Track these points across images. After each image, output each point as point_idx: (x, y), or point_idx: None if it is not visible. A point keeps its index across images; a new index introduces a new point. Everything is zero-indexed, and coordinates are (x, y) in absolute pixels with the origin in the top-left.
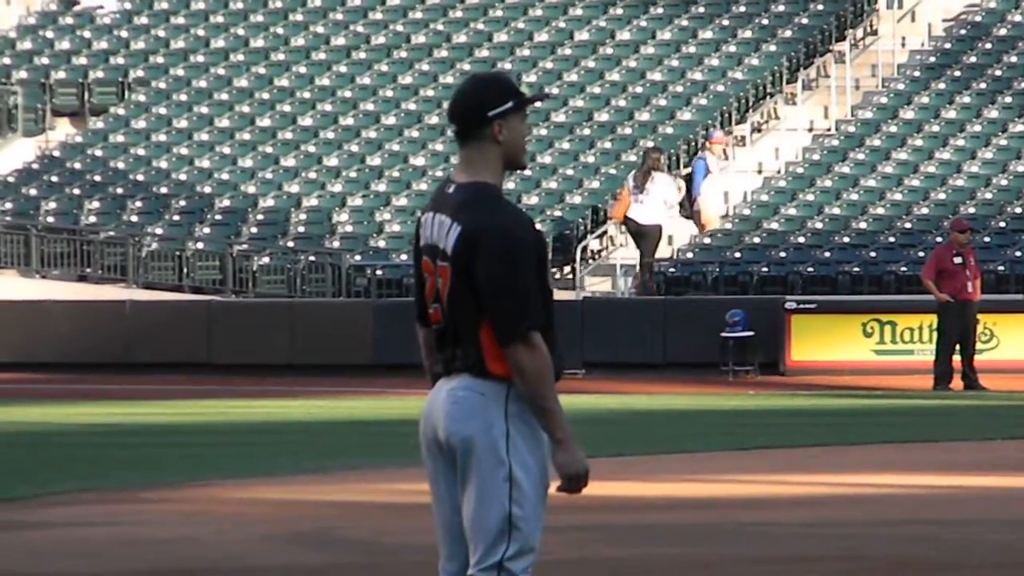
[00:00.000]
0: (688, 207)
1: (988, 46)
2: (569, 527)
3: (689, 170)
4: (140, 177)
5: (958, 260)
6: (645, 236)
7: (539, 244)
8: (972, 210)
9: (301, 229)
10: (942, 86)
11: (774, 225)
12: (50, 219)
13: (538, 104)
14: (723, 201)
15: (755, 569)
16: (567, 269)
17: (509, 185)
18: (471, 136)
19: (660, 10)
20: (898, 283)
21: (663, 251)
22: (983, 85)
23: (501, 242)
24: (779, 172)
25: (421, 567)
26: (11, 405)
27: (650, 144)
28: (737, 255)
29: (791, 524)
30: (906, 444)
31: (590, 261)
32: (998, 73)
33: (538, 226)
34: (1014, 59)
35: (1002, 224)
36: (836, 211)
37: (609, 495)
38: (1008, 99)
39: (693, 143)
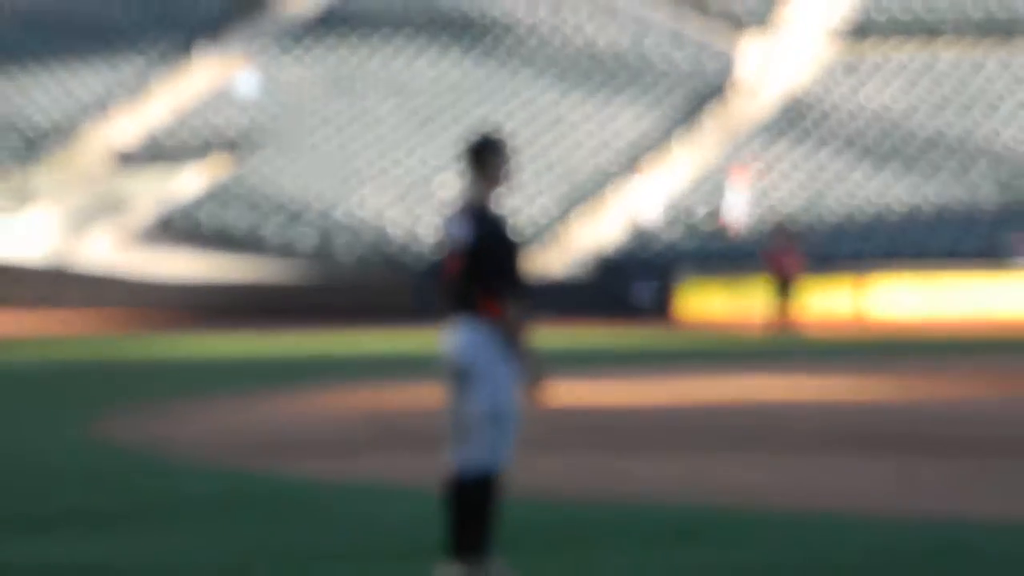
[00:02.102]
0: (717, 216)
1: (808, 116)
2: (538, 419)
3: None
4: (274, 200)
5: (780, 250)
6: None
7: (516, 240)
8: (797, 218)
9: (370, 238)
10: (778, 145)
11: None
12: (212, 226)
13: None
14: (742, 211)
15: (669, 447)
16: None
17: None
18: (474, 172)
19: (583, 89)
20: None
21: (595, 242)
22: (807, 144)
23: (493, 238)
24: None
25: (439, 440)
26: (185, 338)
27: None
28: (643, 248)
29: (691, 418)
30: (750, 369)
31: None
32: (823, 134)
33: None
34: (828, 124)
35: (812, 226)
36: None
37: (567, 402)
38: (822, 154)
39: (608, 177)
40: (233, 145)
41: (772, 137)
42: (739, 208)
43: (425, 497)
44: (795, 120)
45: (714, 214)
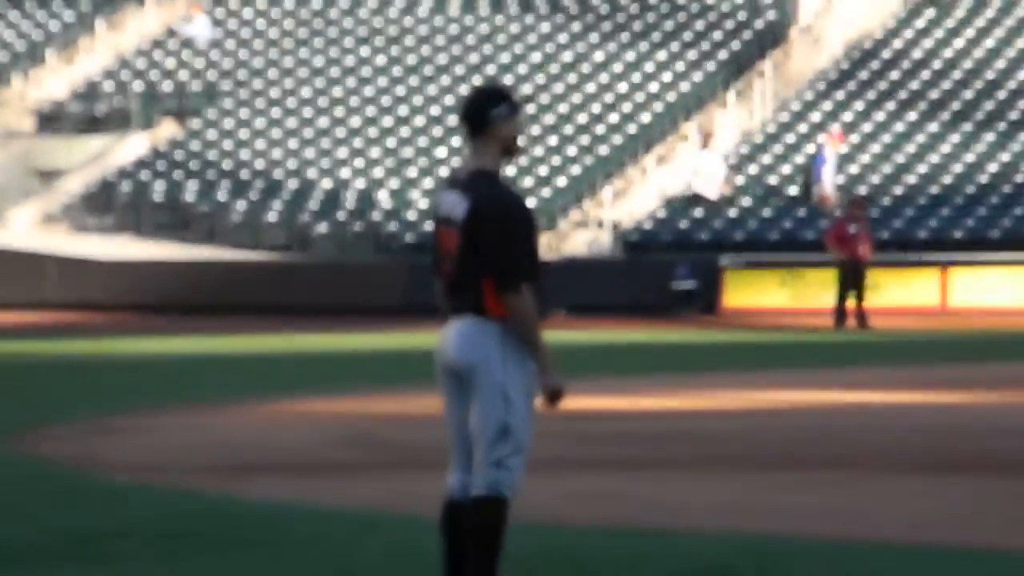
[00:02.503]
0: (808, 188)
1: (875, 65)
2: (552, 433)
3: (809, 158)
4: (227, 165)
5: (853, 229)
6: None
7: (528, 216)
8: (864, 190)
9: (350, 206)
10: (840, 96)
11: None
12: (158, 197)
13: (529, 109)
14: (835, 182)
15: (704, 465)
16: (554, 235)
17: (509, 170)
18: (477, 132)
19: (625, 36)
20: (807, 246)
21: (627, 219)
22: (871, 94)
23: (498, 214)
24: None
25: (439, 464)
26: (128, 338)
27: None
28: (684, 224)
29: (728, 431)
30: (813, 368)
31: (572, 230)
32: (883, 85)
33: (530, 202)
34: (895, 75)
35: (885, 201)
36: (759, 191)
37: (585, 408)
38: (890, 106)
39: (650, 139)
40: (183, 104)
41: (837, 92)
42: (831, 180)
43: (415, 525)
44: (865, 72)
45: (782, 185)
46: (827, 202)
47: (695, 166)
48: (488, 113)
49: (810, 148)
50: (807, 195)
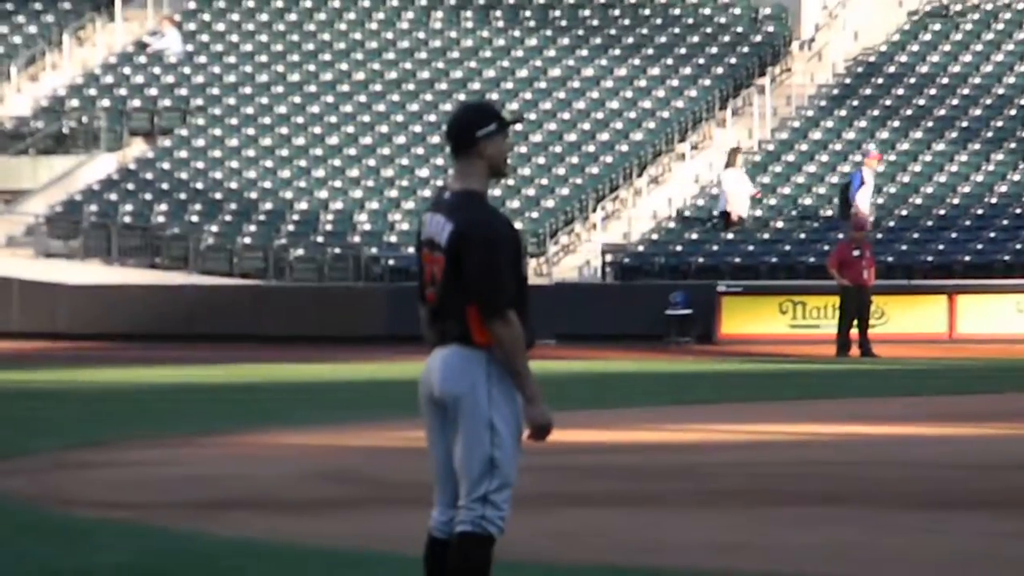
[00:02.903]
0: (844, 211)
1: (880, 81)
2: (540, 467)
3: (845, 181)
4: (199, 185)
5: (856, 253)
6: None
7: (515, 239)
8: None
9: (328, 227)
10: (843, 113)
11: (708, 224)
12: (127, 219)
13: (517, 126)
14: (872, 207)
15: (693, 500)
16: (542, 260)
17: (495, 192)
18: (462, 151)
19: (616, 52)
20: (808, 271)
21: (619, 242)
22: (875, 112)
23: (483, 237)
24: (712, 182)
25: (421, 500)
26: (95, 368)
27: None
28: (679, 248)
29: (721, 464)
30: (814, 400)
31: (560, 253)
32: (887, 103)
33: (517, 225)
34: (901, 91)
35: (891, 224)
36: (758, 212)
37: (573, 441)
38: (895, 123)
39: (643, 157)
40: (153, 122)
41: (839, 110)
42: (867, 202)
43: (396, 564)
44: (869, 88)
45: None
46: (864, 225)
47: (724, 186)
48: (475, 131)
49: (811, 168)
50: (844, 215)
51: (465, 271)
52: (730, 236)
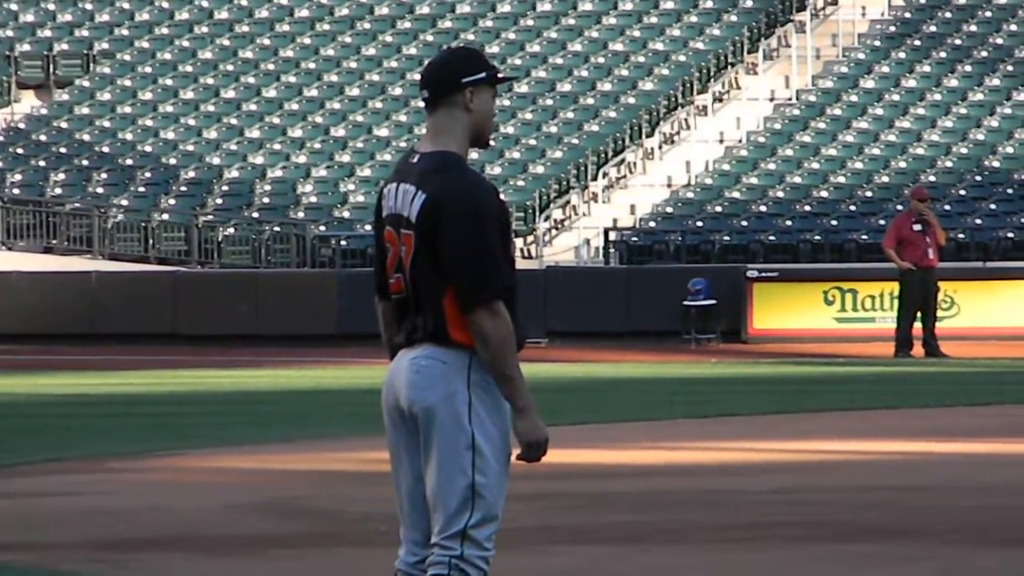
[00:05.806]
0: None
1: (947, 15)
2: (532, 495)
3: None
4: (105, 149)
5: (918, 228)
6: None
7: (503, 212)
8: (932, 178)
9: (266, 200)
10: (902, 55)
11: (736, 194)
12: (16, 191)
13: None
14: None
15: (720, 535)
16: (530, 239)
17: (472, 155)
18: (442, 102)
19: None
20: (859, 251)
21: (626, 220)
22: (942, 54)
23: (466, 208)
24: (740, 141)
25: (384, 537)
26: None
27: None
28: (699, 224)
29: (754, 491)
30: (867, 411)
31: (553, 231)
32: (957, 42)
33: (501, 196)
34: (973, 28)
35: (962, 192)
36: (797, 180)
37: (572, 463)
38: (968, 68)
39: (655, 112)
40: (48, 71)
41: (897, 51)
42: None
43: None
44: (933, 25)
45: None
46: (925, 194)
47: None
48: (460, 76)
49: (862, 123)
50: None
51: (442, 251)
52: (762, 208)
